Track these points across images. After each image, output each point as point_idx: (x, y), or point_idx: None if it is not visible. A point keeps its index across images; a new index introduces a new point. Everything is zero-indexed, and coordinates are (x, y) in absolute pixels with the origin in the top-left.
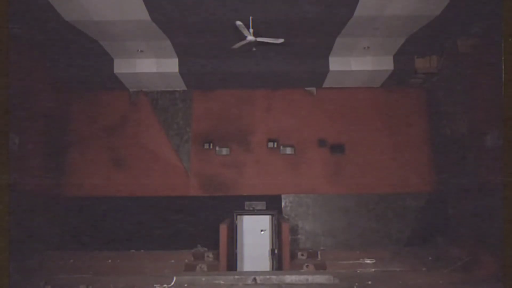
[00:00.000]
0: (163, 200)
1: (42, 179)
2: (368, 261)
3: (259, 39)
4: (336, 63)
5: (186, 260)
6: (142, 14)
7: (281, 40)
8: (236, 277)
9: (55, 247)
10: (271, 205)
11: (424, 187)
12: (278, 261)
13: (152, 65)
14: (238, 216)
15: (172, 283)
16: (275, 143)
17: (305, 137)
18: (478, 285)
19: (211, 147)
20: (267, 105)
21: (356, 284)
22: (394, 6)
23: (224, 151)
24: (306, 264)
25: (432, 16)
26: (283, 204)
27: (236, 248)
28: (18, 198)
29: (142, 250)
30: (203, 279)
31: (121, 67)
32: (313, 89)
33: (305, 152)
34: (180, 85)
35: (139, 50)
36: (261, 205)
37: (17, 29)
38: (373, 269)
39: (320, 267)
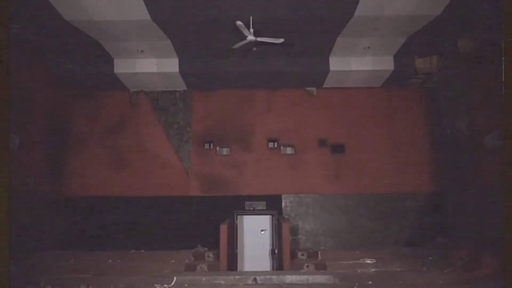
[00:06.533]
0: (163, 200)
1: (42, 179)
2: (368, 261)
3: (259, 39)
4: (336, 63)
5: (187, 260)
6: (142, 14)
7: (281, 40)
8: (237, 277)
9: (55, 247)
10: (272, 205)
11: (424, 187)
12: (278, 261)
13: (152, 65)
14: (239, 216)
15: (173, 283)
16: (276, 143)
17: (306, 137)
18: (478, 285)
19: (211, 147)
20: (267, 105)
21: (356, 284)
22: (394, 6)
23: (225, 151)
24: (306, 264)
25: (432, 16)
26: (283, 204)
27: (236, 248)
28: (18, 198)
29: (142, 250)
30: (204, 279)
31: (121, 67)
32: (314, 89)
33: (305, 152)
34: (180, 85)
35: (139, 50)
36: (261, 205)
37: (17, 29)
38: (373, 269)
39: (321, 267)
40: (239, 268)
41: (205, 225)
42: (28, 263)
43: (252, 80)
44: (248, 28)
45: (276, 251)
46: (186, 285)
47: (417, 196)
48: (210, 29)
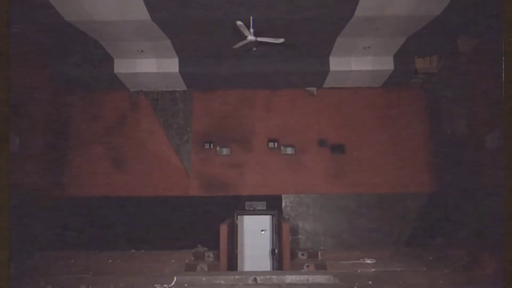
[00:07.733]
0: (163, 200)
1: (42, 179)
2: (368, 261)
3: (259, 39)
4: (336, 63)
5: (187, 260)
6: (142, 14)
7: (281, 40)
8: (237, 277)
9: (55, 247)
10: (272, 205)
11: (424, 187)
12: (278, 261)
13: (152, 65)
14: (239, 216)
15: (173, 283)
16: (276, 143)
17: (306, 137)
18: (478, 285)
19: (212, 147)
20: (267, 105)
21: (357, 284)
22: (394, 6)
23: (225, 151)
24: (306, 264)
25: (432, 16)
26: (283, 204)
27: (236, 248)
28: (18, 198)
29: (142, 250)
30: (204, 279)
31: (121, 67)
32: (314, 89)
33: (305, 152)
34: (180, 85)
35: (139, 50)
36: (261, 205)
37: (18, 29)
38: (373, 269)
39: (321, 267)
40: (239, 268)
41: (205, 225)
42: (28, 263)
43: (252, 80)
44: (248, 28)
45: (276, 251)
46: (186, 285)
47: (417, 196)
48: (210, 29)
